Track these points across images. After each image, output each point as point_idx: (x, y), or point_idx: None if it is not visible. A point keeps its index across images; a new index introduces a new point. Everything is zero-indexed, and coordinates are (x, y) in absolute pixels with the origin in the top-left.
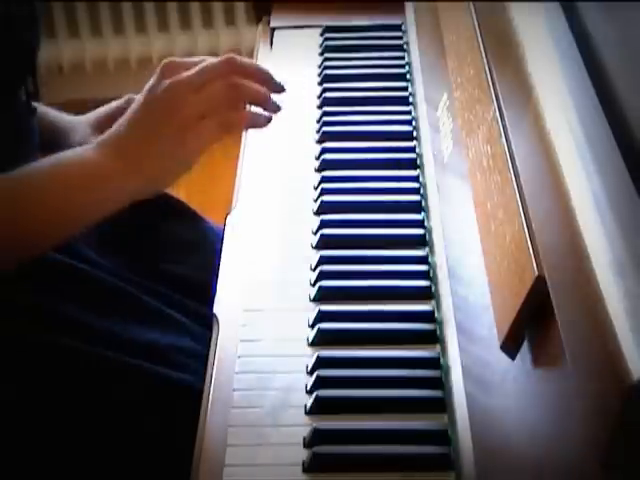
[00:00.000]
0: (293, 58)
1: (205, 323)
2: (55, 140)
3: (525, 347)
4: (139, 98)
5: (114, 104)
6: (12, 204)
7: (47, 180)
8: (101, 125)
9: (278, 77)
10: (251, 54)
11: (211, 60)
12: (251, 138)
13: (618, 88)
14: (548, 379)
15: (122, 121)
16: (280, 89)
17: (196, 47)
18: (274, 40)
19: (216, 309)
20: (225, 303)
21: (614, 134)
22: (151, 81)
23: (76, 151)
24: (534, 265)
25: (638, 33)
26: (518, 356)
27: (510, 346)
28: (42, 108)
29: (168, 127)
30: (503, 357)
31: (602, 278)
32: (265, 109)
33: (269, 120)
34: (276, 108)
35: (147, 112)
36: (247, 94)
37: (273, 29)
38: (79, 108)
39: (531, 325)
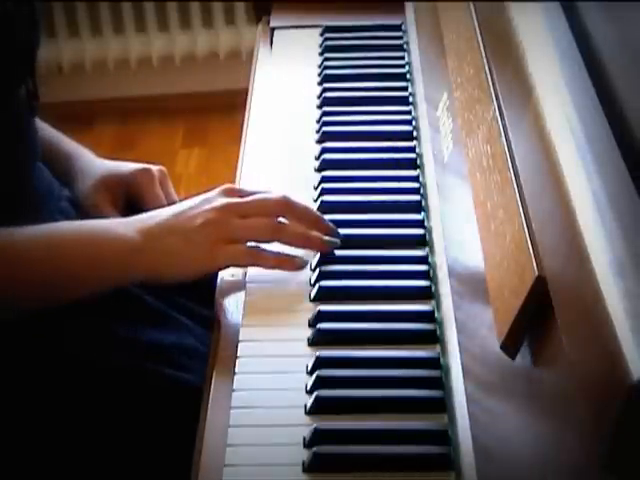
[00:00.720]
0: (293, 58)
1: (207, 324)
2: (49, 159)
3: (525, 347)
4: (191, 201)
5: (131, 168)
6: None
7: (56, 240)
8: (107, 184)
9: (279, 78)
10: (251, 54)
11: (267, 195)
12: (251, 138)
13: (618, 88)
14: (548, 379)
15: (163, 211)
16: (333, 233)
17: (196, 47)
18: (274, 40)
19: (216, 309)
20: (225, 303)
21: (614, 134)
22: (209, 193)
23: (102, 222)
24: (534, 265)
25: (638, 33)
26: (518, 356)
27: (510, 346)
28: (41, 124)
29: (202, 236)
30: (503, 357)
31: (602, 278)
32: (314, 248)
33: (299, 267)
34: (324, 249)
35: (191, 216)
36: (289, 236)
37: (273, 29)
38: (79, 108)
39: (531, 325)
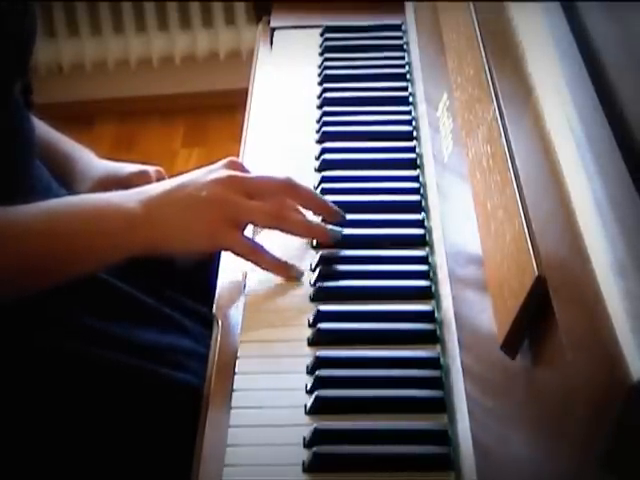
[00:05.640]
0: (293, 58)
1: (205, 323)
2: (48, 160)
3: (525, 347)
4: (194, 173)
5: (129, 169)
6: (20, 239)
7: (57, 214)
8: (105, 186)
9: (279, 78)
10: (251, 54)
11: (271, 175)
12: (251, 138)
13: (618, 88)
14: (548, 379)
15: (166, 182)
16: (338, 217)
17: (196, 47)
18: (274, 40)
19: (216, 309)
20: (225, 303)
21: (614, 134)
22: (212, 166)
23: (104, 196)
24: (534, 265)
25: (638, 33)
26: (518, 356)
27: (510, 346)
28: (40, 124)
29: (205, 210)
30: (503, 357)
31: (602, 279)
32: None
33: (293, 278)
34: (326, 239)
35: (194, 188)
36: (291, 224)
37: (273, 29)
38: (79, 108)
39: (531, 325)
